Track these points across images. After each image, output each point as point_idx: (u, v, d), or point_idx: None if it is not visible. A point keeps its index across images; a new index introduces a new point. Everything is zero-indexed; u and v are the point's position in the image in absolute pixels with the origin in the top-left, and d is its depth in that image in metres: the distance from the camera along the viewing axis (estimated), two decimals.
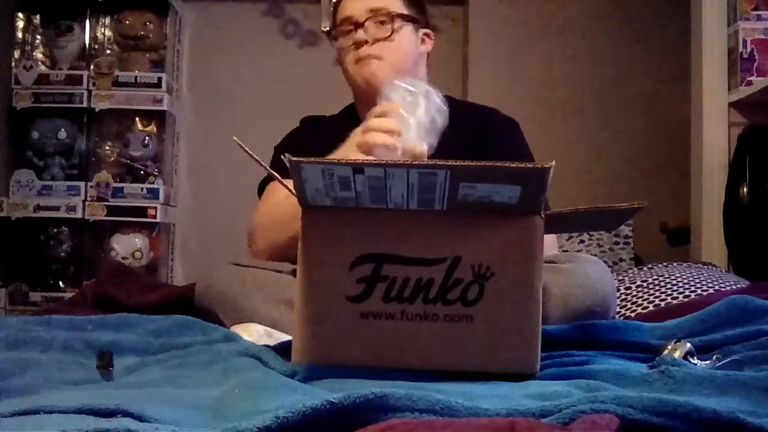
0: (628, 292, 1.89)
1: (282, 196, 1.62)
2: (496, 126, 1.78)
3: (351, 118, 1.78)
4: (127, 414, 0.76)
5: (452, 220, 1.04)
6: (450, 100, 1.80)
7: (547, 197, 1.64)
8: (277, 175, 1.15)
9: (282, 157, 0.97)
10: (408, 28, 1.75)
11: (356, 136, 1.48)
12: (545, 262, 1.10)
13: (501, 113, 1.83)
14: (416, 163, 0.96)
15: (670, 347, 1.10)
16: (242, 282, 1.49)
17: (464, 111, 1.77)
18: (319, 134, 1.76)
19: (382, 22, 1.72)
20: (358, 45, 1.71)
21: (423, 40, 1.80)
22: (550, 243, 1.67)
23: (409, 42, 1.76)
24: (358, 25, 1.72)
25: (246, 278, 1.50)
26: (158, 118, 3.22)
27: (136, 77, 3.17)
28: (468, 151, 1.66)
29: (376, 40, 1.71)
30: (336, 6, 1.81)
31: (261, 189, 1.80)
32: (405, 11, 1.75)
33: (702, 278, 1.87)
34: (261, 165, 1.13)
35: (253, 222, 1.73)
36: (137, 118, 3.23)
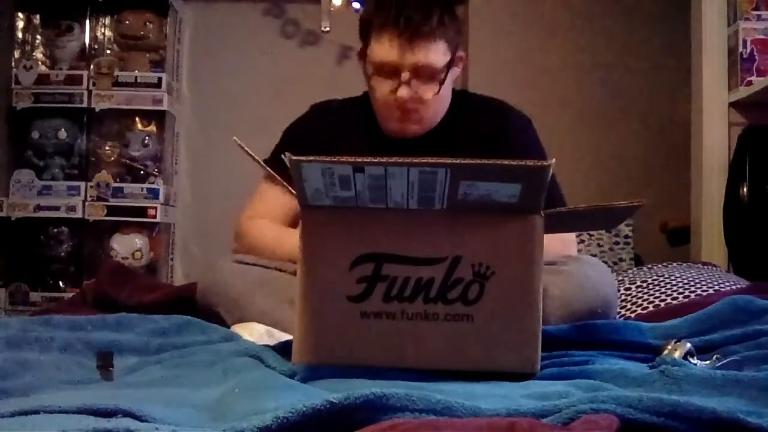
0: (628, 292, 1.89)
1: (276, 233, 1.64)
2: (510, 123, 1.72)
3: (365, 106, 1.73)
4: (127, 414, 0.76)
5: (452, 219, 1.04)
6: (463, 95, 1.80)
7: (563, 194, 1.66)
8: (276, 175, 1.15)
9: (282, 156, 0.97)
10: (451, 71, 1.63)
11: None
12: (547, 263, 1.10)
13: (515, 110, 1.77)
14: (416, 161, 0.95)
15: (670, 347, 1.10)
16: (245, 280, 1.49)
17: (478, 104, 1.76)
18: (330, 121, 1.74)
19: (429, 80, 1.59)
20: (401, 103, 1.59)
21: (457, 64, 1.67)
22: (568, 242, 1.66)
23: (449, 84, 1.65)
24: (402, 81, 1.57)
25: (248, 276, 1.50)
26: (158, 118, 3.22)
27: (136, 77, 3.17)
28: (481, 146, 1.66)
29: (420, 98, 1.60)
30: (366, 30, 1.62)
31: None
32: (449, 56, 1.60)
33: (702, 278, 1.87)
34: (261, 165, 1.13)
35: (240, 229, 1.72)
36: (137, 118, 3.22)
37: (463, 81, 3.27)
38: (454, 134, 1.69)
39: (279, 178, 1.15)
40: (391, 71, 1.58)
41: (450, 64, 1.61)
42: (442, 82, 1.60)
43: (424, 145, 1.65)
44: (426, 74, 1.58)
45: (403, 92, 1.57)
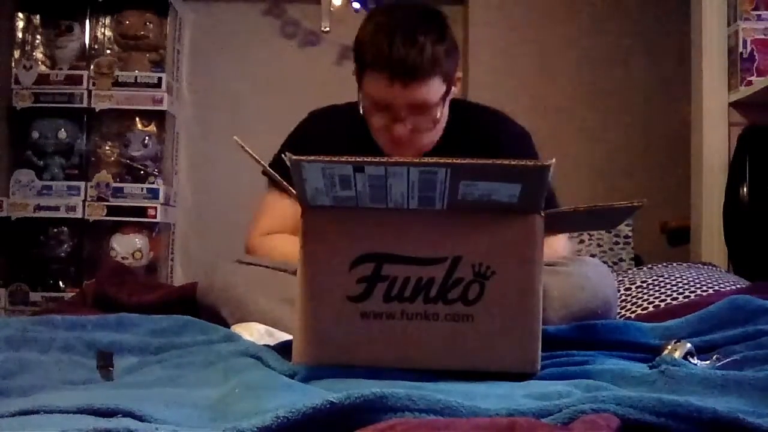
0: (628, 292, 1.89)
1: (282, 241, 1.61)
2: (507, 138, 1.70)
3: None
4: (127, 414, 0.76)
5: (452, 219, 1.04)
6: (461, 105, 1.79)
7: (557, 196, 1.65)
8: (276, 175, 1.15)
9: (283, 155, 0.97)
10: (447, 98, 1.59)
11: None
12: (546, 264, 1.10)
13: (514, 124, 1.75)
14: (417, 161, 0.95)
15: (670, 347, 1.10)
16: (246, 279, 1.49)
17: (475, 117, 1.74)
18: (329, 128, 1.72)
19: (424, 114, 1.56)
20: (397, 138, 1.57)
21: (454, 84, 1.63)
22: (563, 245, 1.66)
23: (446, 110, 1.62)
24: (397, 118, 1.55)
25: (249, 276, 1.50)
26: (158, 118, 3.22)
27: (136, 77, 3.17)
28: (477, 157, 1.64)
29: (417, 129, 1.58)
30: (360, 61, 1.58)
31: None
32: (444, 87, 1.56)
33: (702, 278, 1.87)
34: (261, 165, 1.13)
35: (250, 243, 1.70)
36: (137, 118, 3.23)
37: (463, 81, 3.27)
38: (451, 145, 1.68)
39: (279, 178, 1.15)
40: (385, 107, 1.56)
41: (446, 95, 1.58)
42: (437, 114, 1.57)
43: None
44: (421, 110, 1.56)
45: (399, 130, 1.56)
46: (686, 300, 1.74)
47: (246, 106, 3.39)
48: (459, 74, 1.66)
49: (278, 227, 1.67)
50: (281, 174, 1.12)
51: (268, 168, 1.15)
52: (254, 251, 1.68)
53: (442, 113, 1.60)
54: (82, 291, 1.84)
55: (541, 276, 1.05)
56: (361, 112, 1.62)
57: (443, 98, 1.58)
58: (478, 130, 1.70)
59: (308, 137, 1.73)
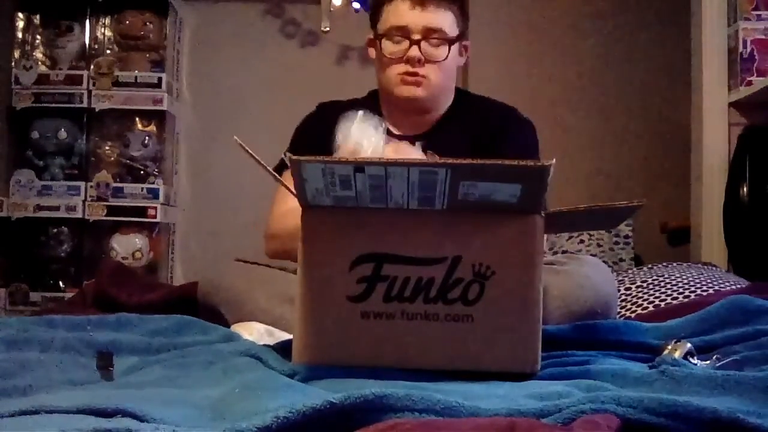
0: (628, 292, 1.89)
1: (293, 206, 1.61)
2: (511, 125, 1.74)
3: (374, 105, 1.75)
4: (127, 414, 0.76)
5: (452, 219, 1.04)
6: (467, 96, 1.82)
7: (545, 197, 1.66)
8: (277, 175, 1.15)
9: (283, 155, 0.97)
10: (456, 47, 1.70)
11: None
12: (546, 263, 1.10)
13: (519, 113, 1.79)
14: (417, 161, 0.96)
15: (670, 347, 1.10)
16: (246, 279, 1.49)
17: (480, 107, 1.78)
18: (337, 119, 1.74)
19: (438, 44, 1.67)
20: (410, 62, 1.66)
21: (462, 52, 1.76)
22: None
23: (455, 61, 1.72)
24: (413, 42, 1.65)
25: (250, 275, 1.50)
26: (158, 118, 3.22)
27: (136, 77, 3.16)
28: (479, 146, 1.66)
29: (428, 61, 1.67)
30: (380, 4, 1.73)
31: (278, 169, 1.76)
32: (457, 30, 1.70)
33: (702, 278, 1.87)
34: (261, 165, 1.13)
35: (268, 230, 1.71)
36: (137, 118, 3.22)
37: (463, 81, 3.27)
38: (457, 131, 1.70)
39: (278, 176, 1.15)
40: (402, 34, 1.66)
41: (458, 38, 1.69)
42: (449, 49, 1.66)
43: (428, 142, 1.65)
44: (436, 38, 1.66)
45: (413, 52, 1.65)
46: (686, 300, 1.74)
47: (246, 106, 3.38)
48: (467, 43, 1.77)
49: (296, 210, 1.68)
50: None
51: (269, 168, 1.15)
52: (275, 234, 1.67)
53: (452, 58, 1.70)
54: (82, 291, 1.84)
55: (542, 276, 1.05)
56: (376, 72, 1.73)
57: (456, 39, 1.69)
58: (484, 115, 1.74)
59: (319, 127, 1.73)
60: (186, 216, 3.42)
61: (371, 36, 1.74)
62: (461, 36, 1.71)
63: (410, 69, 1.66)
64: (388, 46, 1.69)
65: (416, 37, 1.65)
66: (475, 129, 1.70)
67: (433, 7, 1.65)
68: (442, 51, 1.67)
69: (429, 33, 1.65)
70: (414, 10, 1.65)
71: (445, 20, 1.67)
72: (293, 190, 1.04)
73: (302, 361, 1.05)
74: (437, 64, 1.67)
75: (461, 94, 1.80)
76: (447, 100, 1.76)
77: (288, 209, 1.67)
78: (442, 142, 1.64)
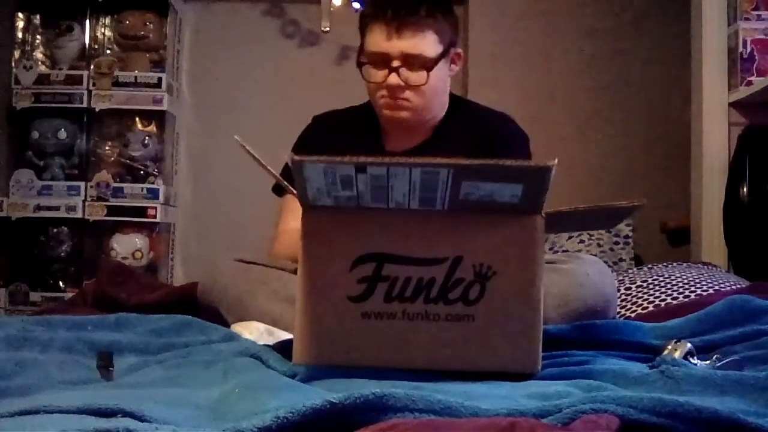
0: (628, 292, 1.89)
1: (295, 226, 1.61)
2: (504, 136, 1.74)
3: (367, 116, 1.77)
4: (127, 414, 0.76)
5: (453, 219, 1.04)
6: (463, 103, 1.82)
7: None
8: (277, 175, 1.15)
9: (284, 156, 0.97)
10: (441, 64, 1.67)
11: None
12: (546, 262, 1.10)
13: (514, 125, 1.79)
14: (418, 161, 0.95)
15: (670, 347, 1.10)
16: (246, 279, 1.49)
17: (476, 115, 1.78)
18: (332, 133, 1.76)
19: (418, 69, 1.64)
20: (389, 90, 1.66)
21: (453, 61, 1.73)
22: None
23: (440, 79, 1.70)
24: (391, 69, 1.63)
25: (250, 275, 1.50)
26: (158, 118, 3.22)
27: (136, 77, 3.17)
28: (471, 155, 1.66)
29: (409, 87, 1.65)
30: (363, 25, 1.70)
31: (275, 190, 1.78)
32: (440, 48, 1.65)
33: (702, 278, 1.87)
34: (261, 164, 1.13)
35: (272, 250, 1.72)
36: (137, 118, 3.22)
37: (463, 81, 3.27)
38: (451, 142, 1.70)
39: (280, 178, 1.15)
40: (382, 60, 1.64)
41: (441, 56, 1.66)
42: (430, 71, 1.64)
43: (423, 154, 1.66)
44: (415, 63, 1.64)
45: (392, 79, 1.64)
46: (686, 300, 1.74)
47: (246, 105, 3.39)
48: (459, 51, 1.74)
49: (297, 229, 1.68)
50: (290, 180, 1.12)
51: (269, 168, 1.15)
52: (277, 255, 1.68)
53: (436, 77, 1.66)
54: (82, 291, 1.84)
55: (543, 276, 1.05)
56: (366, 78, 1.69)
57: (438, 60, 1.65)
58: (479, 126, 1.74)
59: (315, 142, 1.74)
60: (186, 216, 3.42)
61: (357, 58, 1.73)
62: (447, 51, 1.68)
63: (391, 95, 1.66)
64: (369, 72, 1.68)
65: (395, 64, 1.63)
66: (471, 140, 1.71)
67: (410, 33, 1.62)
68: (422, 76, 1.64)
69: (408, 59, 1.63)
70: (389, 36, 1.62)
71: (424, 44, 1.63)
72: (293, 190, 1.04)
73: (303, 361, 1.04)
74: (419, 88, 1.65)
75: (456, 102, 1.80)
76: (440, 111, 1.77)
77: (293, 229, 1.67)
78: (437, 154, 1.64)
